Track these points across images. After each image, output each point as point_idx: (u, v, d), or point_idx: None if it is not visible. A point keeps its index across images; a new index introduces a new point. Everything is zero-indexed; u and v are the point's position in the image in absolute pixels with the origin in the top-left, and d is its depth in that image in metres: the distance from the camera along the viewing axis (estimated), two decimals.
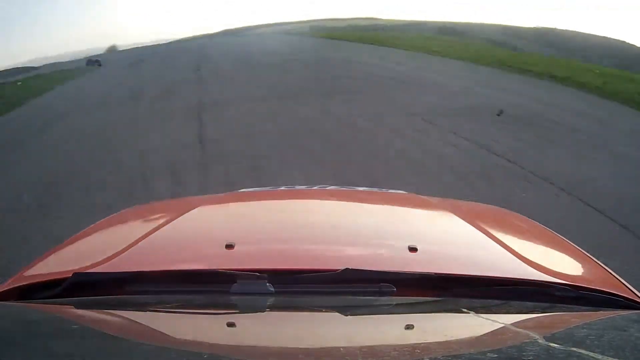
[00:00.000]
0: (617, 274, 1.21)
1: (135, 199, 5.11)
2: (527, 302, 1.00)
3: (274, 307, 0.97)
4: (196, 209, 1.56)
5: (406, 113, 9.90)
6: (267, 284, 0.97)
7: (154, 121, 10.71)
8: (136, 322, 0.93)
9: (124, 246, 1.20)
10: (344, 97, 11.77)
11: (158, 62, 26.32)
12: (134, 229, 1.56)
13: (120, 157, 7.81)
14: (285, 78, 15.59)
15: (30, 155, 9.03)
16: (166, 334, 0.87)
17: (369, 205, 1.78)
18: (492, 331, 0.86)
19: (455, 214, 1.51)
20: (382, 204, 1.82)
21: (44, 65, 43.22)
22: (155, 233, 1.30)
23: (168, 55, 31.03)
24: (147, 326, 0.91)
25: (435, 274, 1.02)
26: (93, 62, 29.47)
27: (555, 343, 0.70)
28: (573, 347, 0.69)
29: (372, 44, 26.99)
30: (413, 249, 1.12)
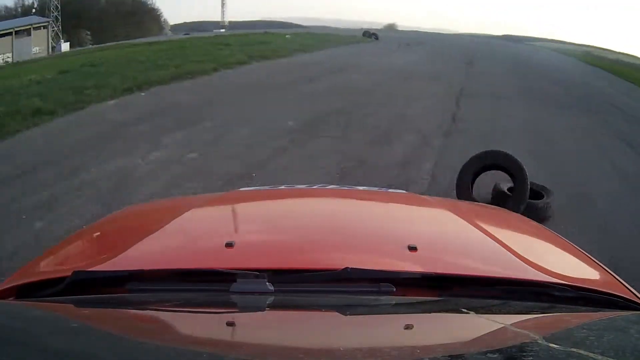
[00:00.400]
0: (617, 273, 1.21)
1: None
2: (527, 302, 1.00)
3: (273, 306, 0.97)
4: (196, 208, 1.56)
5: None
6: (267, 283, 0.97)
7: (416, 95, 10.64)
8: (136, 320, 0.93)
9: (124, 245, 1.20)
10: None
11: (430, 47, 24.80)
12: (134, 227, 1.56)
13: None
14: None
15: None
16: (166, 333, 0.87)
17: (369, 204, 1.78)
18: (492, 331, 0.86)
19: (455, 214, 1.51)
20: (382, 204, 1.82)
21: (312, 26, 44.99)
22: (155, 232, 1.30)
23: (444, 44, 29.33)
24: (147, 325, 0.91)
25: (435, 273, 1.02)
26: (370, 35, 29.00)
27: (555, 343, 0.71)
28: (573, 347, 0.69)
29: None
30: (413, 249, 1.12)
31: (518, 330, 0.85)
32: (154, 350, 0.75)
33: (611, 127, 9.26)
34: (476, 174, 4.74)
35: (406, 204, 1.83)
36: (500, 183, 4.78)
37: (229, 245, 1.14)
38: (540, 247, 1.47)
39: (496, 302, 1.00)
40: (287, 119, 7.78)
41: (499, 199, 4.56)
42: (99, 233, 1.58)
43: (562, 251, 1.41)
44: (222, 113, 8.27)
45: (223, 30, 47.73)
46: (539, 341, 0.73)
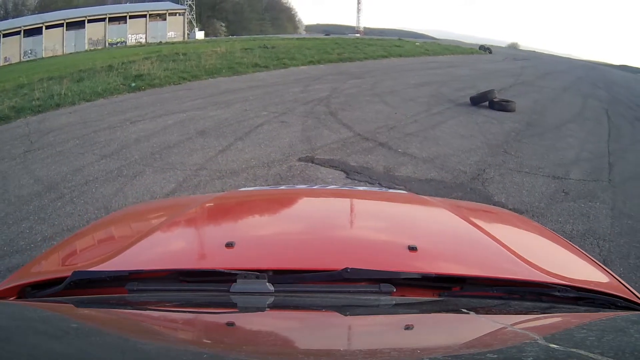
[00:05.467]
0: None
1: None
2: (527, 302, 1.01)
3: (273, 306, 0.97)
4: (196, 208, 1.56)
5: None
6: (267, 283, 0.98)
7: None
8: (136, 320, 0.93)
9: (124, 245, 1.20)
10: None
11: (529, 62, 25.98)
12: (133, 227, 1.56)
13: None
14: None
15: None
16: (166, 333, 0.87)
17: (369, 205, 1.78)
18: (492, 331, 0.86)
19: (455, 214, 1.51)
20: (382, 204, 1.82)
21: (442, 39, 47.88)
22: (154, 232, 1.30)
23: (543, 61, 29.87)
24: (147, 325, 0.92)
25: (435, 273, 1.02)
26: (485, 49, 32.70)
27: (555, 344, 0.71)
28: (573, 347, 0.70)
29: None
30: (413, 249, 1.13)
31: (518, 330, 0.85)
32: (154, 351, 0.75)
33: None
34: None
35: (406, 204, 1.83)
36: None
37: (229, 245, 1.14)
38: (540, 247, 1.46)
39: (496, 302, 1.01)
40: (411, 81, 14.00)
41: None
42: (99, 233, 1.58)
43: (562, 251, 1.41)
44: (375, 76, 14.73)
45: (358, 34, 50.71)
46: (539, 341, 0.73)
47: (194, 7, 51.12)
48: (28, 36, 44.59)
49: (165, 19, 49.81)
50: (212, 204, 1.71)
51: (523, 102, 11.24)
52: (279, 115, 8.99)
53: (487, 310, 0.98)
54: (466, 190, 5.44)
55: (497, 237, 1.27)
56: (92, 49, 43.97)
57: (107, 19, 47.14)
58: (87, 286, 1.03)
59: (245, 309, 0.99)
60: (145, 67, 14.93)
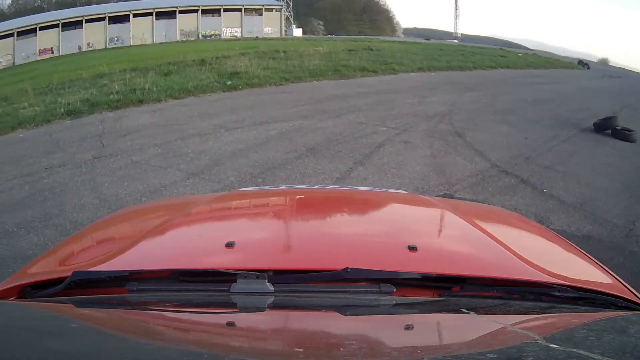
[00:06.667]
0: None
1: None
2: (527, 302, 1.00)
3: (273, 306, 0.97)
4: (196, 208, 1.56)
5: None
6: (267, 283, 0.97)
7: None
8: (136, 320, 0.93)
9: (124, 245, 1.20)
10: None
11: (624, 80, 25.13)
12: (133, 227, 1.56)
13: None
14: None
15: None
16: (166, 333, 0.87)
17: (369, 205, 1.77)
18: (492, 331, 0.87)
19: (455, 214, 1.51)
20: (382, 204, 1.81)
21: (537, 49, 47.76)
22: (155, 232, 1.31)
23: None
24: (147, 325, 0.91)
25: (435, 273, 1.02)
26: (583, 64, 33.14)
27: (555, 343, 0.71)
28: (573, 347, 0.70)
29: None
30: (413, 249, 1.12)
31: (518, 330, 0.86)
32: (154, 351, 0.74)
33: None
34: None
35: (406, 204, 1.82)
36: None
37: (229, 245, 1.13)
38: (541, 247, 1.46)
39: (496, 302, 1.00)
40: (526, 97, 12.90)
41: None
42: (99, 233, 1.57)
43: (562, 251, 1.41)
44: (490, 89, 13.78)
45: (456, 41, 50.28)
46: (539, 341, 0.73)
47: (291, 4, 51.48)
48: (114, 23, 45.18)
49: (261, 14, 50.40)
50: (212, 204, 1.71)
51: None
52: (400, 132, 7.92)
53: (487, 310, 0.98)
54: (624, 252, 4.39)
55: (497, 237, 1.28)
56: (184, 40, 43.98)
57: (200, 10, 47.91)
58: (87, 286, 1.02)
59: (245, 309, 0.98)
60: (242, 64, 13.91)
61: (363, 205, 1.73)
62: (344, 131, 7.49)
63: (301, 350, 0.78)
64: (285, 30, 49.89)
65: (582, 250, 1.38)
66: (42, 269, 1.25)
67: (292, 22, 51.31)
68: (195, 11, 47.45)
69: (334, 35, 44.13)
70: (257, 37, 40.80)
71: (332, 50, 18.42)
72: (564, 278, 1.07)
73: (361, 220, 1.53)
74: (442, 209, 1.63)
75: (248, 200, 1.83)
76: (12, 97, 12.13)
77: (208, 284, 1.00)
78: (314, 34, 49.24)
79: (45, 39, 43.50)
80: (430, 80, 14.56)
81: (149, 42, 43.55)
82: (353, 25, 54.18)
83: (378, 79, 13.79)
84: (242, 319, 0.94)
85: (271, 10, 50.70)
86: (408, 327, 0.91)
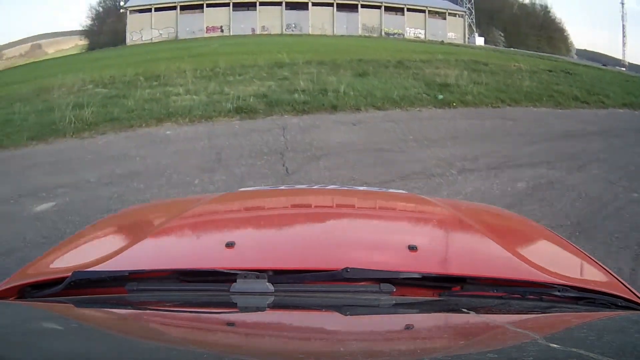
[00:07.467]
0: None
1: None
2: (527, 302, 1.00)
3: (273, 306, 0.97)
4: (196, 208, 1.56)
5: None
6: (267, 283, 0.97)
7: None
8: (136, 320, 0.93)
9: (124, 245, 1.21)
10: None
11: None
12: (133, 227, 1.55)
13: None
14: None
15: None
16: (166, 333, 0.87)
17: (369, 205, 1.77)
18: (492, 331, 0.87)
19: (455, 214, 1.51)
20: (382, 204, 1.81)
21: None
22: (155, 232, 1.31)
23: None
24: (147, 325, 0.92)
25: (435, 273, 1.02)
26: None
27: (555, 343, 0.71)
28: (573, 347, 0.69)
29: None
30: (413, 249, 1.12)
31: (518, 330, 0.85)
32: (154, 351, 0.74)
33: None
34: None
35: (406, 204, 1.83)
36: None
37: (229, 245, 1.14)
38: (540, 247, 1.47)
39: (496, 302, 1.00)
40: None
41: None
42: (99, 233, 1.57)
43: (562, 251, 1.41)
44: None
45: (623, 69, 47.79)
46: (539, 341, 0.73)
47: (473, 12, 50.75)
48: (290, 9, 45.01)
49: (444, 18, 50.04)
50: (212, 204, 1.71)
51: None
52: None
53: (487, 310, 0.97)
54: None
55: (497, 237, 1.28)
56: (366, 35, 43.43)
57: (383, 7, 47.51)
58: (87, 286, 1.02)
59: (245, 309, 0.98)
60: (448, 74, 11.63)
61: (363, 205, 1.74)
62: (602, 194, 4.98)
63: (301, 350, 0.78)
64: (468, 38, 48.68)
65: (582, 250, 1.38)
66: (42, 269, 1.26)
67: (475, 30, 50.02)
68: (378, 7, 46.92)
69: (517, 49, 40.52)
70: (442, 41, 38.53)
71: (534, 69, 15.05)
72: (564, 278, 1.07)
73: (361, 219, 1.53)
74: (442, 209, 1.64)
75: (248, 200, 1.84)
76: (166, 76, 10.14)
77: (208, 284, 1.00)
78: (495, 45, 46.54)
79: (214, 17, 43.47)
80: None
81: (329, 32, 42.78)
82: (532, 39, 52.36)
83: (593, 113, 10.41)
84: (242, 319, 0.95)
85: (454, 15, 49.92)
86: (408, 327, 0.92)
